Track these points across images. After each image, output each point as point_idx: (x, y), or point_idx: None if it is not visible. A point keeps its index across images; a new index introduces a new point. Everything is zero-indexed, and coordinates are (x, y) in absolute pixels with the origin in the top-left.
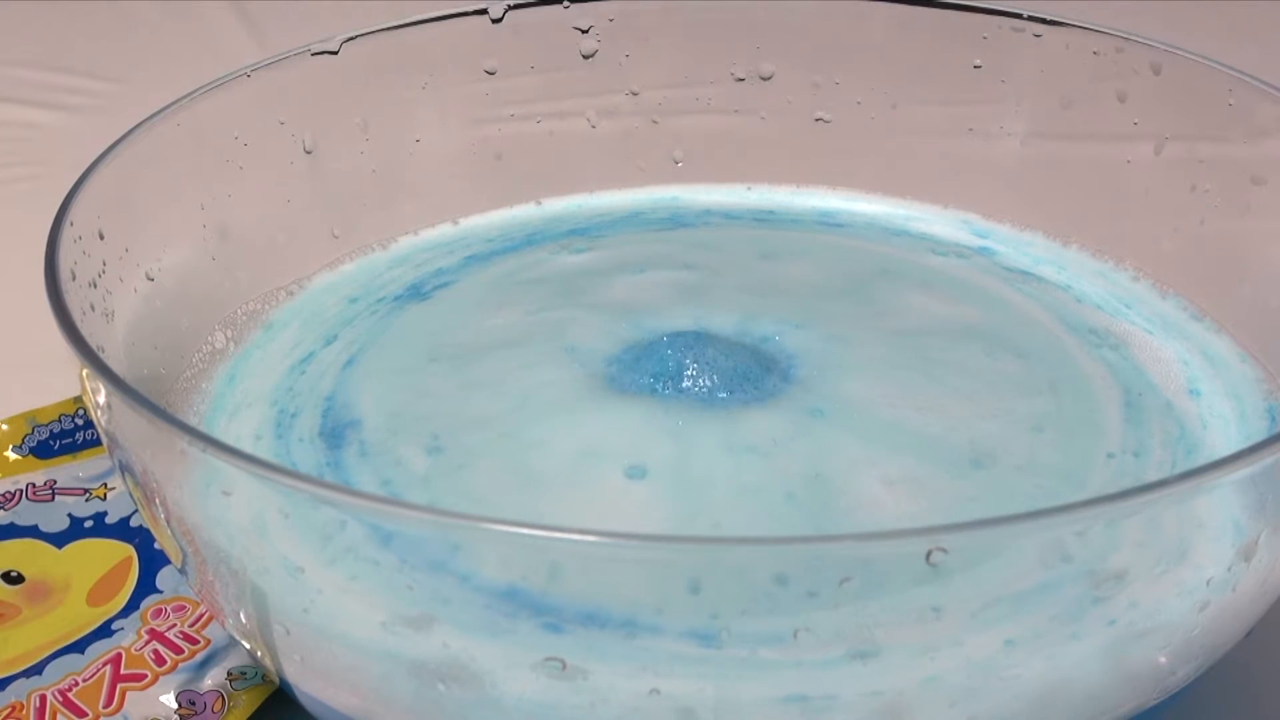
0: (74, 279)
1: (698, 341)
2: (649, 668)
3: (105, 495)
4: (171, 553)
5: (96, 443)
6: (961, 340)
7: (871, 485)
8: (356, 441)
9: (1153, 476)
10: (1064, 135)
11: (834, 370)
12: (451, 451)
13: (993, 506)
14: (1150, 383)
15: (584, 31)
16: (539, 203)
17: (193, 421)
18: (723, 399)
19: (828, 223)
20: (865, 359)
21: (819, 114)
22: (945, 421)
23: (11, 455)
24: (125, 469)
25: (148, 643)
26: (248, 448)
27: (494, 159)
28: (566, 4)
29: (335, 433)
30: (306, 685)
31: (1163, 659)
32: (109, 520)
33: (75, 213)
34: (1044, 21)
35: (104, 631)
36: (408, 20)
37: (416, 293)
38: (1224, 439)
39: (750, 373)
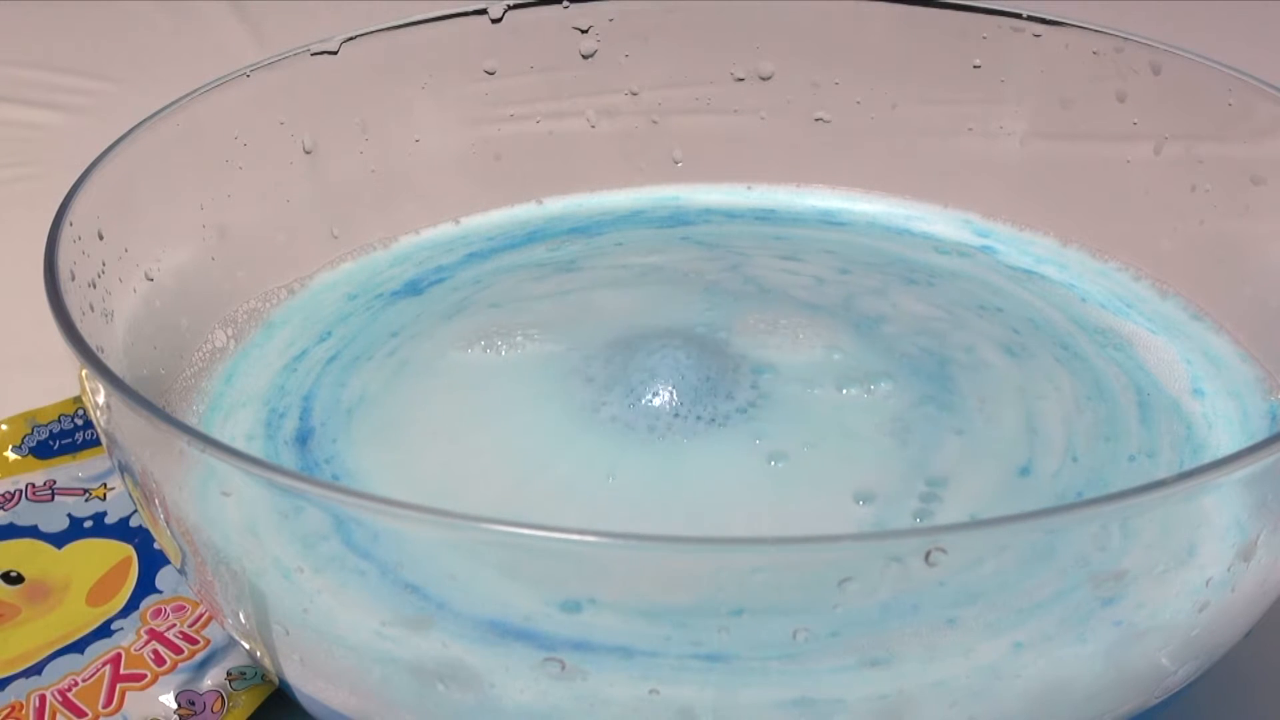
0: (73, 279)
1: (690, 344)
2: (649, 670)
3: (105, 495)
4: (171, 553)
5: (96, 443)
6: (985, 338)
7: (879, 494)
8: (314, 446)
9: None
10: (1064, 135)
11: (848, 371)
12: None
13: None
14: (1156, 383)
15: (584, 31)
16: (540, 202)
17: (191, 421)
18: (714, 403)
19: (829, 221)
20: (880, 359)
21: (819, 114)
22: (976, 424)
23: (11, 455)
24: (124, 469)
25: (147, 643)
26: (241, 448)
27: (494, 159)
28: (566, 4)
29: (302, 436)
30: (306, 686)
31: (1163, 659)
32: (108, 520)
33: (75, 213)
34: (1044, 21)
35: (103, 631)
36: (408, 20)
37: (413, 289)
38: (1229, 439)
39: (747, 375)
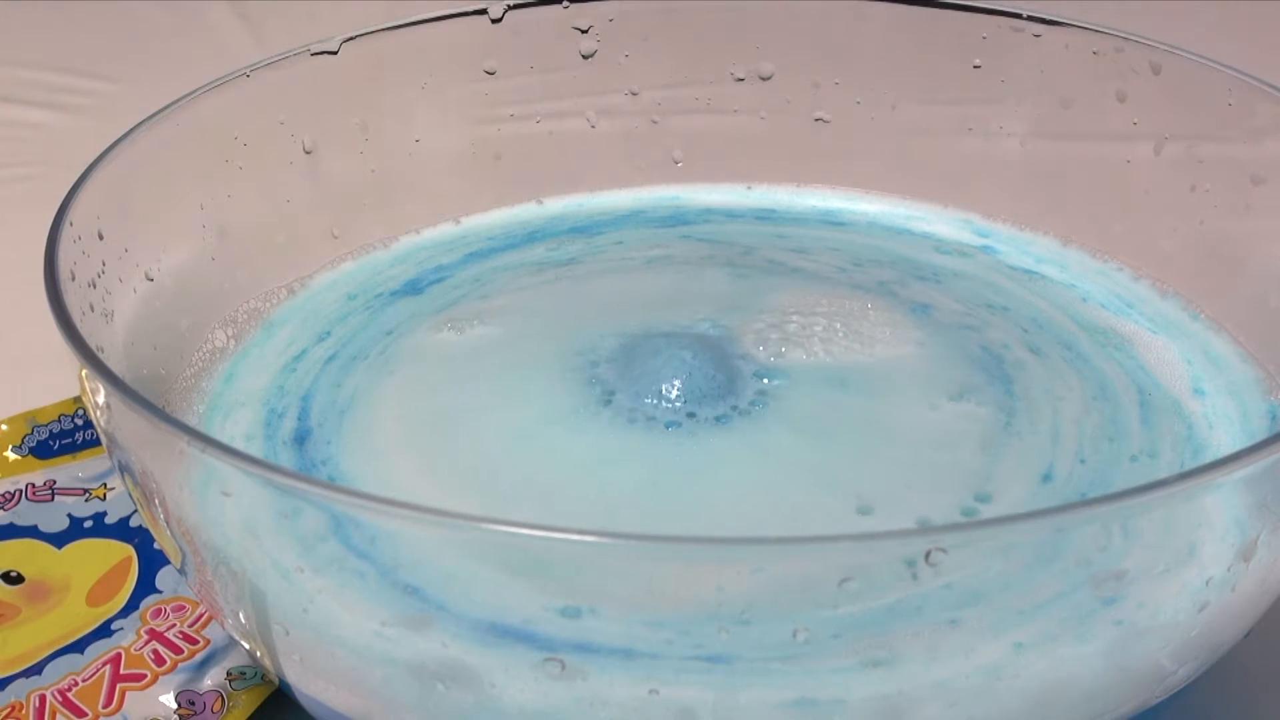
0: (73, 279)
1: (690, 343)
2: (650, 671)
3: (105, 495)
4: (171, 553)
5: (96, 443)
6: (1010, 337)
7: (871, 498)
8: (310, 447)
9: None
10: (1064, 135)
11: (853, 371)
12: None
13: None
14: (1157, 383)
15: (584, 31)
16: (540, 202)
17: (191, 421)
18: (714, 404)
19: (830, 221)
20: (885, 360)
21: (819, 114)
22: (1024, 428)
23: (11, 455)
24: (124, 469)
25: (147, 643)
26: (240, 449)
27: (494, 159)
28: (566, 4)
29: (300, 437)
30: (306, 686)
31: (1163, 659)
32: (109, 520)
33: (75, 213)
34: (1044, 21)
35: (103, 631)
36: (408, 20)
37: (413, 288)
38: (1229, 439)
39: (746, 377)
